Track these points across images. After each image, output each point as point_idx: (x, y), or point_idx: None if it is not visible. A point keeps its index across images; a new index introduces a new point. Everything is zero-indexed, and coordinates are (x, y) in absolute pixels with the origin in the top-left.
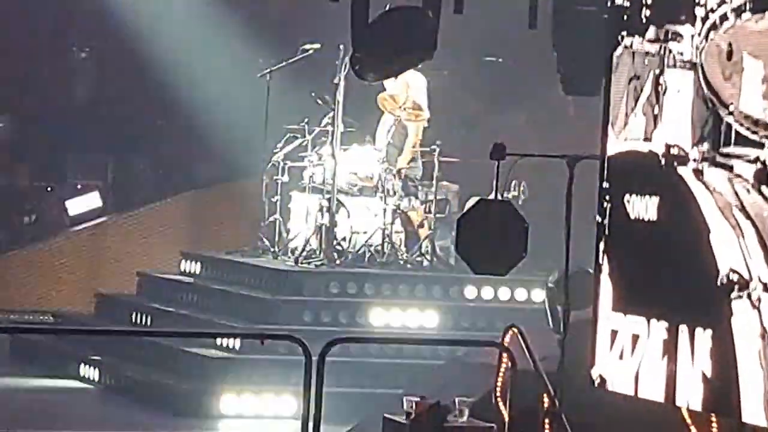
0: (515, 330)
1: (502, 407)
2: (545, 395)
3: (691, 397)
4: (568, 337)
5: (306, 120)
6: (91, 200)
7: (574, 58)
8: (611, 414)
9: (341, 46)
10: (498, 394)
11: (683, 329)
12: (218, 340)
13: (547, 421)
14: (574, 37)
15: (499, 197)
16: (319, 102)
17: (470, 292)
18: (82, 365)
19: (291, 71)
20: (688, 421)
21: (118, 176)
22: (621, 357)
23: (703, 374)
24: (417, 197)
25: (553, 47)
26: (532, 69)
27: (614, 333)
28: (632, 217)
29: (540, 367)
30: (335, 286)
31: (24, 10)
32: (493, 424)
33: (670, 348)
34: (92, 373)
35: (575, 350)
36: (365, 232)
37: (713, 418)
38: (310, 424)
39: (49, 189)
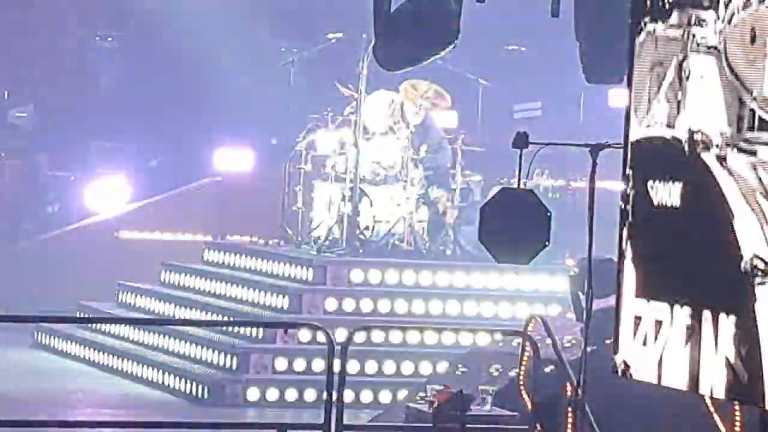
0: (538, 318)
1: (525, 396)
2: (568, 384)
3: (714, 383)
4: (591, 325)
5: (329, 109)
6: (114, 189)
7: (596, 46)
8: (634, 402)
9: (364, 36)
10: (521, 382)
11: (707, 315)
12: (242, 329)
13: (570, 409)
14: (596, 26)
15: (522, 186)
16: (342, 91)
17: (493, 280)
18: (106, 354)
19: (314, 61)
20: (711, 409)
21: (141, 165)
22: (644, 343)
23: (727, 360)
24: (441, 186)
25: (576, 36)
26: (555, 58)
27: (638, 319)
28: (656, 203)
29: (563, 356)
30: (358, 275)
31: (48, 0)
32: (516, 413)
33: (694, 334)
34: (115, 362)
35: (598, 339)
36: (388, 221)
37: (736, 407)
38: (333, 412)
39: (72, 178)
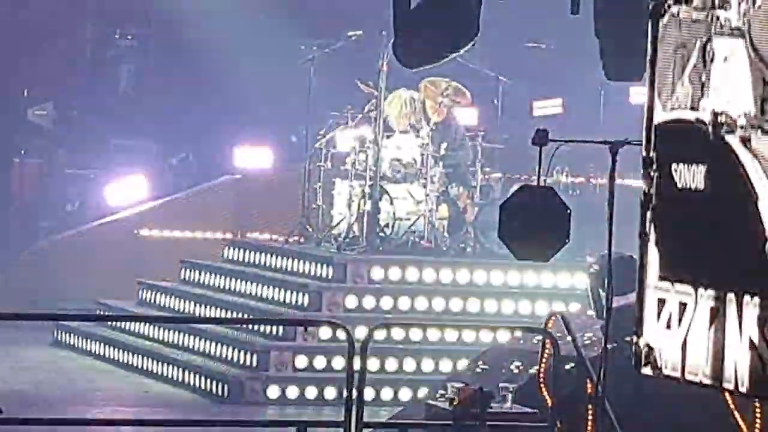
0: (558, 316)
1: (545, 393)
2: (588, 381)
3: (738, 365)
4: (611, 322)
5: (349, 106)
6: (134, 187)
7: (616, 43)
8: (655, 400)
9: (384, 33)
10: (541, 380)
11: (731, 297)
12: (262, 327)
13: (590, 406)
14: (616, 23)
15: (542, 183)
16: (363, 88)
17: (513, 278)
18: (126, 352)
19: (334, 58)
20: (732, 406)
21: (161, 163)
22: (668, 326)
23: (751, 342)
24: (462, 183)
25: (596, 33)
26: (575, 55)
27: (661, 302)
28: (679, 186)
29: (583, 353)
30: (378, 273)
31: None
32: (536, 410)
33: (718, 316)
34: (136, 359)
35: (618, 336)
36: (408, 219)
37: (757, 404)
38: (354, 410)
39: (92, 176)
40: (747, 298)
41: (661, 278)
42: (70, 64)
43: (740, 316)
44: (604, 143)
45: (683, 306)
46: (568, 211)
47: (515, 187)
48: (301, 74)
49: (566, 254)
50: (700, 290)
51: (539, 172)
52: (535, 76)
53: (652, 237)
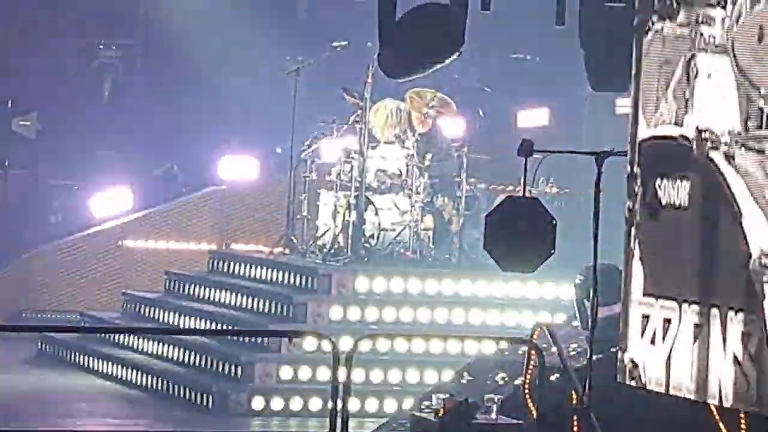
0: (544, 327)
1: (530, 404)
2: (573, 392)
3: (722, 381)
4: (596, 333)
5: (334, 118)
6: (119, 198)
7: (602, 54)
8: (640, 411)
9: (369, 44)
10: (526, 391)
11: (715, 313)
12: (247, 338)
13: (575, 417)
14: (602, 34)
15: (528, 194)
16: (348, 99)
17: (498, 288)
18: (110, 364)
19: (319, 69)
20: (717, 418)
21: (145, 174)
22: (653, 342)
23: (735, 358)
24: (447, 194)
25: (581, 44)
26: (560, 66)
27: (645, 318)
28: (664, 202)
29: (568, 364)
30: (363, 284)
31: (51, 9)
32: (521, 422)
33: (702, 332)
34: (120, 371)
35: (604, 347)
36: (393, 230)
37: (742, 415)
38: (338, 421)
39: (75, 188)
40: (731, 314)
41: (646, 294)
42: (54, 75)
43: (724, 332)
44: (589, 154)
45: (667, 322)
46: (554, 222)
47: (501, 198)
48: (286, 85)
49: (552, 265)
50: (684, 306)
51: (524, 182)
52: (521, 87)
53: (636, 253)
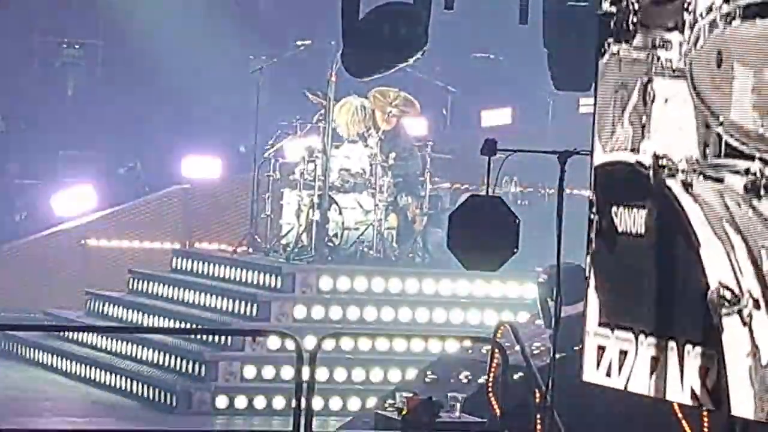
0: (507, 325)
1: (494, 402)
2: (537, 390)
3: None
4: (559, 332)
5: (298, 117)
6: (82, 197)
7: (565, 53)
8: (603, 409)
9: (333, 43)
10: (490, 389)
11: (672, 346)
12: (211, 337)
13: (538, 416)
14: (565, 33)
15: (491, 193)
16: (311, 98)
17: (462, 287)
18: (74, 362)
19: (282, 68)
20: (680, 415)
21: (108, 173)
22: (608, 374)
23: (692, 391)
24: (411, 193)
25: (544, 43)
26: (523, 65)
27: (601, 349)
28: (620, 230)
29: (531, 363)
30: (326, 282)
31: (16, 7)
32: (485, 420)
33: (659, 365)
34: (84, 370)
35: (567, 345)
36: (357, 229)
37: (704, 413)
38: (302, 420)
39: (39, 186)
40: (689, 347)
41: (601, 324)
42: (17, 74)
43: (681, 366)
44: (552, 153)
45: (623, 354)
46: (517, 221)
47: (464, 197)
48: (249, 84)
49: (515, 264)
50: (641, 337)
51: (488, 182)
52: (484, 87)
53: (592, 282)
